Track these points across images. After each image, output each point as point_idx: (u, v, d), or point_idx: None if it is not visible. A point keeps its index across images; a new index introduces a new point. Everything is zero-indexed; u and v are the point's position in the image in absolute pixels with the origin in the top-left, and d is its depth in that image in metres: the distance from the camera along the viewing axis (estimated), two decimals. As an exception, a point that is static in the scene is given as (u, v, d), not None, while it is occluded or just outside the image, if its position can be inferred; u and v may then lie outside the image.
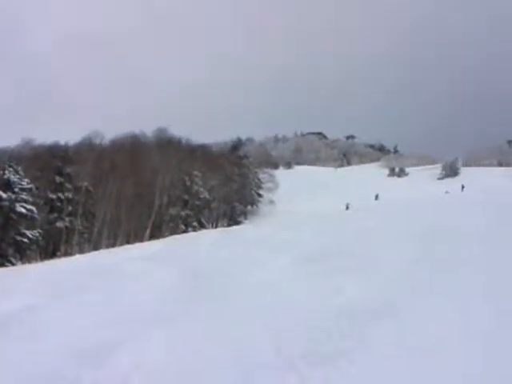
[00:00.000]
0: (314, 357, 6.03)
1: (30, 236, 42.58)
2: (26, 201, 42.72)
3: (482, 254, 11.52)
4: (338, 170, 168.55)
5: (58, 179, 52.95)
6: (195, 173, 65.86)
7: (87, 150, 61.57)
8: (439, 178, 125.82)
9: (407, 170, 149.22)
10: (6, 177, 42.30)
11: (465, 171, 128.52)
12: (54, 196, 52.19)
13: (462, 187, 62.11)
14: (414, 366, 5.55)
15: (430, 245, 13.49)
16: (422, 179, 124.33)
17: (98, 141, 68.56)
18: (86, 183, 54.28)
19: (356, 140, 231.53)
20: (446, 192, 56.38)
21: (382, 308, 7.70)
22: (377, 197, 67.12)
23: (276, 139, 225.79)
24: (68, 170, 53.80)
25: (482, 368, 5.38)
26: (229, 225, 67.72)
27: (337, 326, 7.09)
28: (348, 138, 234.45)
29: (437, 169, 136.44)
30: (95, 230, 53.80)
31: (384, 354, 5.98)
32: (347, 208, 49.65)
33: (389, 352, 6.01)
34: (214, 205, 71.96)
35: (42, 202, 49.52)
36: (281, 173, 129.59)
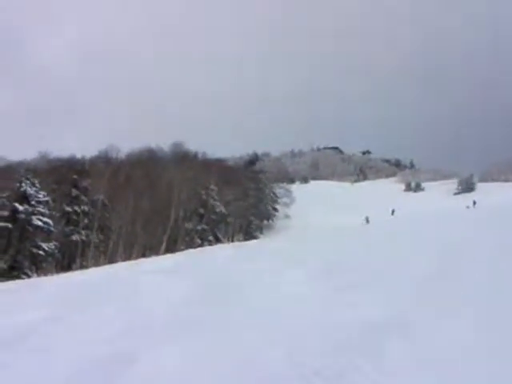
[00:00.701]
0: (327, 371, 5.88)
1: (46, 248, 42.70)
2: (42, 213, 42.91)
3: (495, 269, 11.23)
4: (355, 184, 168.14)
5: (74, 192, 53.23)
6: (211, 187, 65.88)
7: (103, 164, 61.92)
8: (455, 194, 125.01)
9: (423, 184, 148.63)
10: (22, 189, 42.54)
11: (481, 186, 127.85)
12: (70, 209, 52.42)
13: (474, 203, 61.47)
14: (428, 382, 5.39)
15: (445, 261, 13.25)
16: (439, 194, 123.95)
17: (114, 154, 68.98)
18: (102, 196, 54.44)
19: (372, 155, 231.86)
20: (467, 207, 56.18)
21: (395, 323, 7.54)
22: (393, 212, 66.44)
23: (292, 154, 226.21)
24: (84, 183, 54.08)
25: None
26: (245, 239, 67.67)
27: (350, 340, 6.94)
28: (364, 153, 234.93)
29: (453, 184, 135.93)
30: (111, 243, 53.82)
31: (397, 369, 5.81)
32: (367, 221, 49.17)
33: (402, 367, 5.85)
34: (229, 219, 71.90)
35: (58, 214, 49.70)
36: (297, 187, 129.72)
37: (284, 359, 6.38)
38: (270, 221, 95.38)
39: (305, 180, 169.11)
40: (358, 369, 5.87)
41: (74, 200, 53.20)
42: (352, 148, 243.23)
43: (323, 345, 6.82)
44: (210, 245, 53.61)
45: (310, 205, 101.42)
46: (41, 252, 42.23)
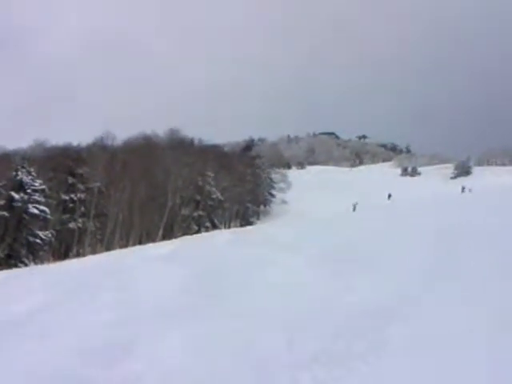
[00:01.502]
0: (326, 356, 5.94)
1: (43, 237, 42.71)
2: (38, 202, 42.86)
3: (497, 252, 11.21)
4: (353, 169, 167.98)
5: (70, 180, 53.15)
6: (208, 173, 65.71)
7: (99, 151, 61.56)
8: (452, 178, 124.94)
9: (420, 169, 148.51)
10: (18, 178, 42.47)
11: (477, 170, 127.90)
12: (66, 197, 52.33)
13: (463, 188, 60.62)
14: (425, 367, 5.40)
15: (443, 245, 13.22)
16: (435, 178, 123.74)
17: (110, 142, 68.56)
18: (98, 184, 54.31)
19: (368, 140, 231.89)
20: (463, 190, 56.23)
21: (394, 308, 7.57)
22: (389, 196, 66.23)
23: (289, 139, 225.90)
24: (80, 171, 54.00)
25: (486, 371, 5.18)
26: (241, 225, 67.66)
27: (349, 325, 6.98)
28: (360, 137, 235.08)
29: (449, 168, 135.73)
30: (108, 230, 53.78)
31: (396, 354, 5.85)
32: (354, 209, 48.82)
33: (401, 352, 5.90)
34: (226, 205, 71.79)
35: (54, 202, 49.63)
36: (293, 173, 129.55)
37: (282, 345, 6.42)
38: (267, 206, 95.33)
39: (301, 165, 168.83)
40: (357, 354, 5.91)
41: (71, 188, 53.12)
42: (348, 133, 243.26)
43: (322, 330, 6.85)
44: (207, 231, 53.55)
45: (306, 190, 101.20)
46: (37, 240, 42.24)
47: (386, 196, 66.83)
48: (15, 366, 6.49)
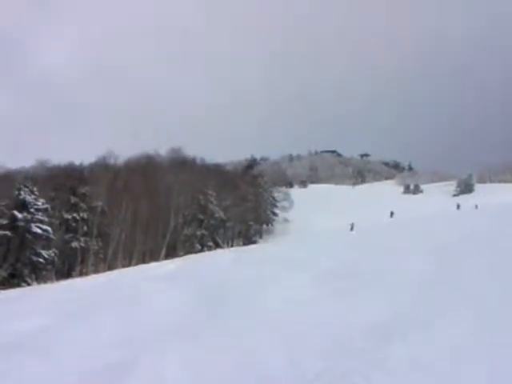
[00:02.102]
0: (329, 374, 5.88)
1: (46, 256, 42.66)
2: (41, 221, 42.89)
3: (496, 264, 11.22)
4: (356, 187, 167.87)
5: (72, 199, 53.16)
6: (210, 192, 65.75)
7: (102, 171, 61.78)
8: (454, 195, 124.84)
9: (422, 186, 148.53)
10: (21, 197, 42.53)
11: (479, 187, 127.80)
12: (69, 216, 52.32)
13: (458, 206, 60.77)
14: None
15: (444, 262, 13.22)
16: (438, 196, 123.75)
17: (112, 161, 68.80)
18: (100, 203, 54.37)
19: (370, 158, 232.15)
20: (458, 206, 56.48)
21: (396, 326, 7.51)
22: (392, 214, 66.02)
23: (291, 158, 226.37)
24: (83, 190, 54.02)
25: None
26: (244, 244, 67.53)
27: (352, 343, 6.91)
28: (362, 155, 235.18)
29: (452, 185, 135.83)
30: (110, 249, 53.74)
31: (398, 371, 5.78)
32: (352, 229, 47.10)
33: (403, 369, 5.82)
34: (228, 224, 71.78)
35: (57, 222, 49.67)
36: (296, 191, 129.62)
37: (285, 362, 6.38)
38: (270, 225, 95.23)
39: (303, 184, 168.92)
40: (360, 371, 5.85)
41: (73, 207, 53.11)
42: (350, 151, 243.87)
43: (324, 348, 6.80)
44: (210, 250, 53.52)
45: (309, 209, 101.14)
46: (40, 259, 42.18)
47: (389, 214, 66.63)
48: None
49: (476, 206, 55.29)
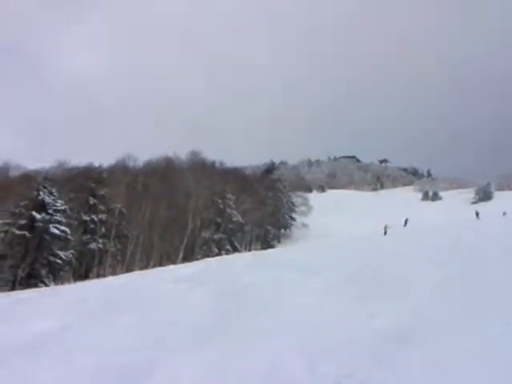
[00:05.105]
0: (349, 381, 5.78)
1: (64, 257, 42.75)
2: (59, 222, 43.00)
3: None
4: (375, 193, 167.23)
5: (91, 201, 53.32)
6: (228, 196, 65.71)
7: (121, 173, 61.93)
8: (473, 202, 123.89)
9: (440, 193, 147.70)
10: (40, 198, 42.66)
11: (498, 195, 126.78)
12: (87, 218, 52.48)
13: (477, 214, 58.88)
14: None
15: (462, 270, 13.07)
16: (456, 203, 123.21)
17: (131, 163, 68.98)
18: (119, 205, 54.47)
19: (389, 164, 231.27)
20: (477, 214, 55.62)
21: (414, 334, 7.43)
22: (406, 222, 63.55)
23: (309, 163, 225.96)
24: (102, 192, 54.19)
25: None
26: (262, 248, 67.28)
27: (371, 350, 6.81)
28: (381, 161, 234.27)
29: (470, 193, 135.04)
30: (128, 251, 53.79)
31: (417, 379, 5.73)
32: (385, 233, 46.71)
33: (422, 377, 5.77)
34: (247, 228, 71.63)
35: (75, 223, 49.81)
36: (314, 196, 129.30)
37: (306, 370, 6.24)
38: (288, 230, 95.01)
39: (322, 189, 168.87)
40: (379, 379, 5.80)
41: (92, 208, 53.28)
42: (369, 157, 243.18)
43: (344, 355, 6.70)
44: (227, 254, 53.37)
45: (327, 214, 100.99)
46: (58, 260, 42.28)
47: (403, 222, 65.04)
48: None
49: (504, 213, 54.40)
